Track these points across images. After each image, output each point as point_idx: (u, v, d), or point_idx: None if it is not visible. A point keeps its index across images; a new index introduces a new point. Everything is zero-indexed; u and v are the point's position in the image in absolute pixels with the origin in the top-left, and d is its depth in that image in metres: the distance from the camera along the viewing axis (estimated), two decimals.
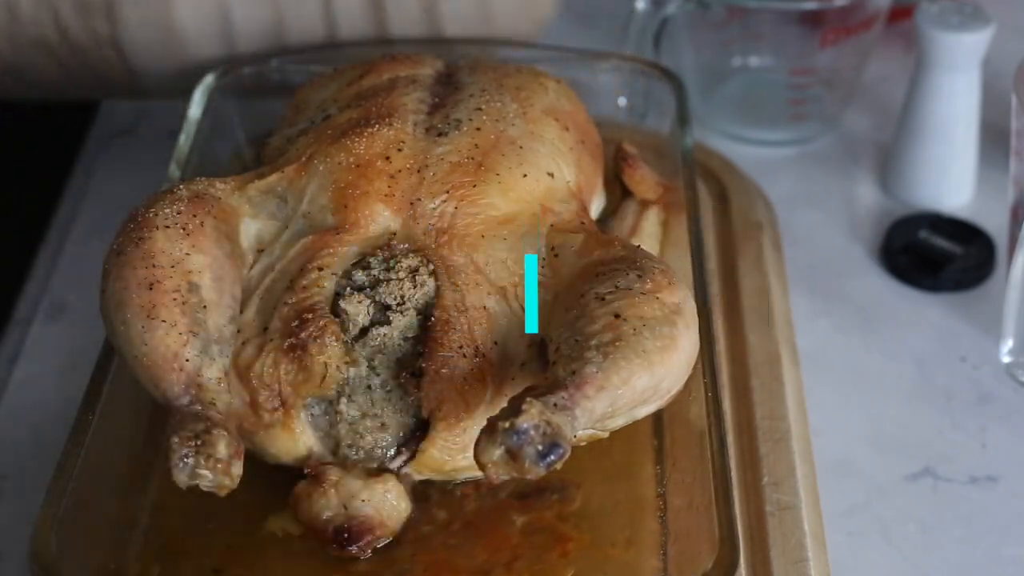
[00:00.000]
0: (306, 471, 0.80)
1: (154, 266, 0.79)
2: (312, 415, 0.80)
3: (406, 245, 0.83)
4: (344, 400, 0.79)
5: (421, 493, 0.81)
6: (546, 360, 0.78)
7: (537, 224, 0.84)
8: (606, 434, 0.81)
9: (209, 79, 1.01)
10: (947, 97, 1.05)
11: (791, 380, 0.91)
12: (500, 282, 0.82)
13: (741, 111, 1.18)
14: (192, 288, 0.79)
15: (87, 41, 0.97)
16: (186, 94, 1.00)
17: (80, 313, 1.01)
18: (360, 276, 0.82)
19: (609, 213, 0.95)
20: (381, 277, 0.81)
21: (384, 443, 0.80)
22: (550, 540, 0.80)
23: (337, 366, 0.79)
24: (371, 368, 0.80)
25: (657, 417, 0.85)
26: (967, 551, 0.85)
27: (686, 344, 0.77)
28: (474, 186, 0.84)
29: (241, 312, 0.82)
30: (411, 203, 0.84)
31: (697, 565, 0.73)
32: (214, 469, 0.73)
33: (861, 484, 0.89)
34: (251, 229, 0.86)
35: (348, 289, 0.81)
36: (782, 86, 1.16)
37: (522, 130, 0.88)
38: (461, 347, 0.79)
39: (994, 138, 1.11)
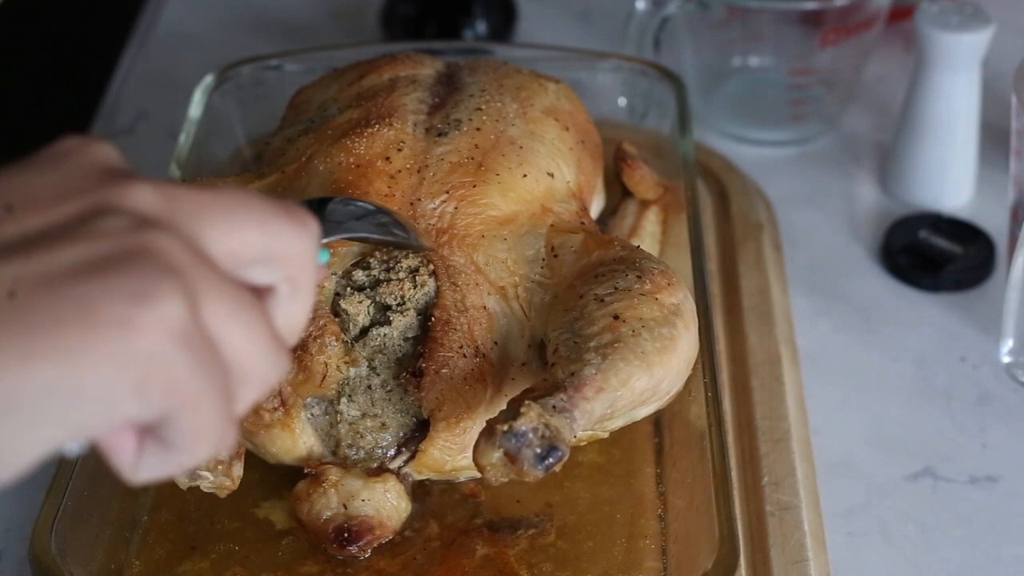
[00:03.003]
0: (306, 471, 0.80)
1: None
2: (312, 415, 0.80)
3: None
4: (344, 400, 0.79)
5: (414, 497, 0.81)
6: (546, 360, 0.78)
7: (537, 224, 0.84)
8: (606, 434, 0.81)
9: (209, 79, 1.02)
10: (947, 97, 1.05)
11: (791, 380, 0.91)
12: (500, 282, 0.82)
13: (741, 111, 1.18)
14: None
15: None
16: None
17: None
18: (360, 276, 0.82)
19: (609, 213, 0.95)
20: (381, 277, 0.81)
21: (384, 443, 0.80)
22: None
23: (337, 366, 0.79)
24: (371, 368, 0.80)
25: (657, 417, 0.85)
26: (967, 551, 0.85)
27: (685, 345, 0.76)
28: (474, 186, 0.84)
29: None
30: (411, 203, 0.84)
31: (697, 565, 0.73)
32: (215, 470, 0.74)
33: (861, 484, 0.89)
34: None
35: (348, 289, 0.81)
36: (782, 86, 1.16)
37: (522, 130, 0.88)
38: (461, 347, 0.79)
39: (994, 138, 1.11)
